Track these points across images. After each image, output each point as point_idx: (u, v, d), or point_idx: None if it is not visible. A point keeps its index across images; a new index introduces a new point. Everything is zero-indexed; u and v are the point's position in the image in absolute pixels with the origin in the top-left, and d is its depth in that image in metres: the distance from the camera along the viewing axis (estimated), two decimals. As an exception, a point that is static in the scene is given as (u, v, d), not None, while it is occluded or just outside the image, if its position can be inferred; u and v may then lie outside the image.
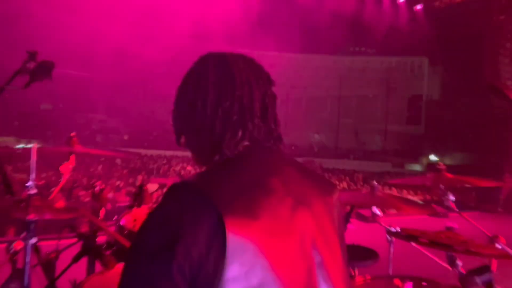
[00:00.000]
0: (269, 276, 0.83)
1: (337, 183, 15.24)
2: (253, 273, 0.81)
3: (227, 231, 0.80)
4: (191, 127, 1.04)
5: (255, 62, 1.10)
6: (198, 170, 1.00)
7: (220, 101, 0.99)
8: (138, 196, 2.77)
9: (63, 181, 2.57)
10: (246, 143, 0.99)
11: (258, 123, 1.01)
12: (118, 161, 14.91)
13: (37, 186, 2.00)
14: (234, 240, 0.80)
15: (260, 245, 0.83)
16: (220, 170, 0.95)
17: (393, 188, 13.19)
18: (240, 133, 0.99)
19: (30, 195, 1.91)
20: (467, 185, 2.59)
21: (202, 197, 0.84)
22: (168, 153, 18.39)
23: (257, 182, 0.91)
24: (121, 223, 2.48)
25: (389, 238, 2.34)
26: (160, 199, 0.92)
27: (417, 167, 23.03)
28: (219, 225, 0.80)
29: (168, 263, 0.79)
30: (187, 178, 0.92)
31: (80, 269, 2.09)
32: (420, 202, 2.33)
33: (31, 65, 2.18)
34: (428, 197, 14.21)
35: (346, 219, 2.28)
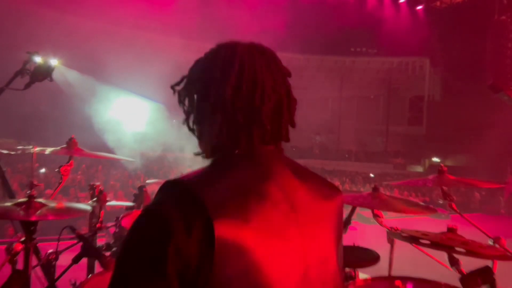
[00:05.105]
0: (259, 281, 0.81)
1: (339, 184, 15.24)
2: (242, 278, 0.80)
3: (216, 233, 0.78)
4: (197, 121, 1.02)
5: (272, 57, 1.05)
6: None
7: (221, 99, 0.95)
8: (138, 197, 2.78)
9: (62, 182, 2.56)
10: (247, 144, 0.96)
11: (262, 126, 0.97)
12: (119, 162, 14.89)
13: (36, 188, 2.00)
14: (223, 243, 0.78)
15: (250, 250, 0.81)
16: (216, 171, 0.93)
17: (395, 189, 13.19)
18: (241, 135, 0.96)
19: (30, 196, 1.90)
20: (469, 187, 2.58)
21: (193, 197, 0.82)
22: (169, 154, 18.39)
23: (252, 187, 0.89)
24: (121, 224, 2.49)
25: (390, 239, 2.33)
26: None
27: (418, 169, 22.99)
28: (209, 227, 0.79)
29: (158, 264, 0.78)
30: (182, 177, 0.90)
31: (80, 270, 2.09)
32: (422, 203, 2.32)
33: (31, 66, 2.19)
34: (429, 198, 14.19)
35: (348, 220, 2.28)
